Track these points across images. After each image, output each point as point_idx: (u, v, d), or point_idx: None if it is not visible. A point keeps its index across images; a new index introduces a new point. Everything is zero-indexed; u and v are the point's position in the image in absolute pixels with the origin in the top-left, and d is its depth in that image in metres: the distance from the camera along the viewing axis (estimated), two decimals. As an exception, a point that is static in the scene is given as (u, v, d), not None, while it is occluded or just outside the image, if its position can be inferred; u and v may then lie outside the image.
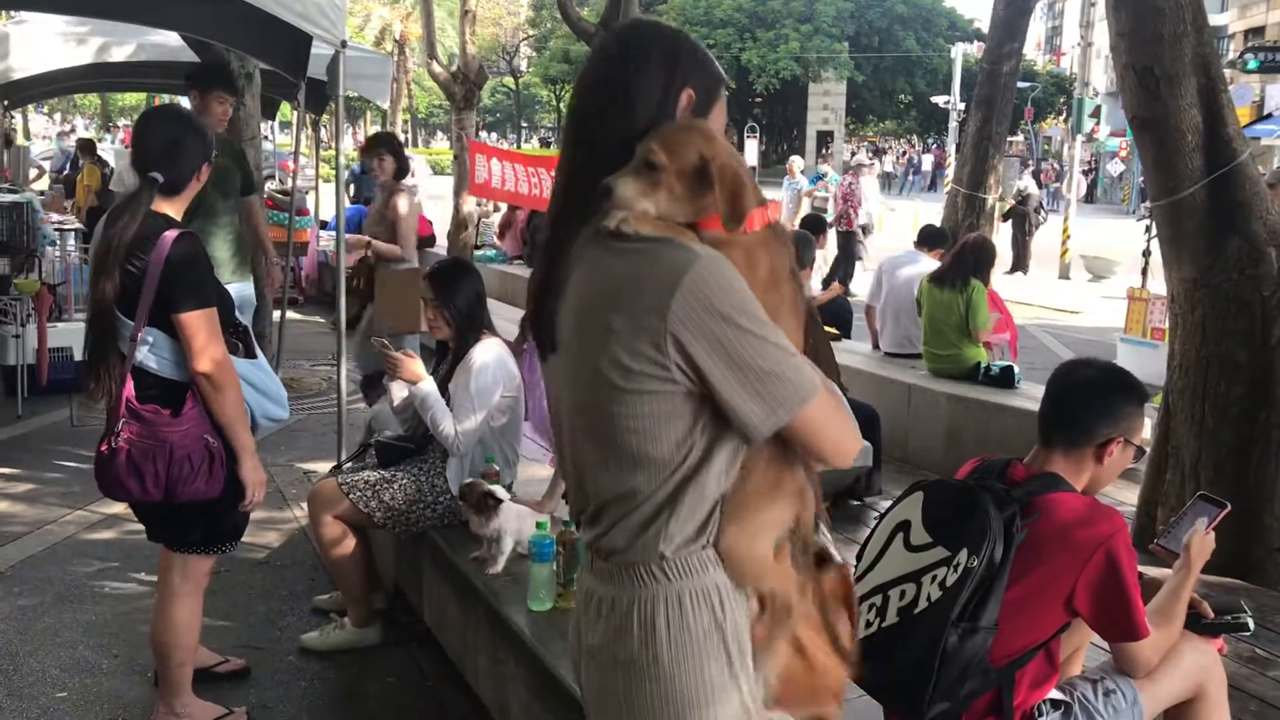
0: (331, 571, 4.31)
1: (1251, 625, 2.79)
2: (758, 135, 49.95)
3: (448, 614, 3.99)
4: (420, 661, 4.16)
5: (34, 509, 5.55)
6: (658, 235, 1.55)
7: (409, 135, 57.65)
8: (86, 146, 14.11)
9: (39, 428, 7.05)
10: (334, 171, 6.46)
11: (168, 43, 9.27)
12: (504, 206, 12.90)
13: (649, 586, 1.60)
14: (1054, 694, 2.51)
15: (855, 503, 6.06)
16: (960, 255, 6.98)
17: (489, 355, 4.10)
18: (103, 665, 4.01)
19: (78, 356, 7.73)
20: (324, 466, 6.32)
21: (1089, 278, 17.61)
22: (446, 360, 4.30)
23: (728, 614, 1.61)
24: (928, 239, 8.00)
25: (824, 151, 26.93)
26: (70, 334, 7.74)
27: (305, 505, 5.49)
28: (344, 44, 4.94)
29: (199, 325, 3.16)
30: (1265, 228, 4.65)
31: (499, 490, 3.72)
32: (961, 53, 34.15)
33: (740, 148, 46.37)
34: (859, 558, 2.56)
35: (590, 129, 1.67)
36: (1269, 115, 24.07)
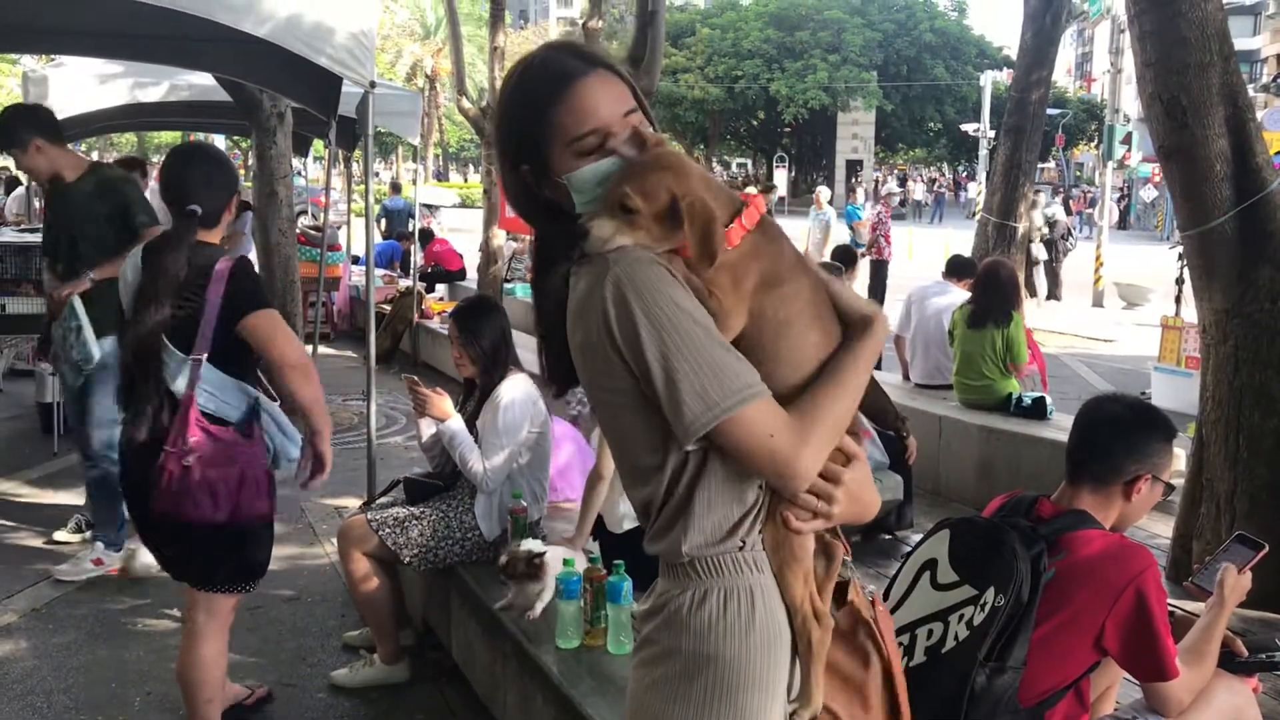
0: (361, 608, 4.32)
1: None
2: (787, 165, 50.05)
3: (475, 651, 3.99)
4: (448, 698, 4.16)
5: (68, 545, 5.60)
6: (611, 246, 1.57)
7: (441, 169, 58.18)
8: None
9: (74, 464, 7.10)
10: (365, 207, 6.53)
11: (200, 82, 9.44)
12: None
13: (679, 581, 1.61)
14: (1085, 734, 2.48)
15: (886, 537, 6.02)
16: (997, 289, 6.88)
17: (517, 391, 4.12)
18: (135, 703, 4.03)
19: (113, 393, 7.84)
20: (355, 502, 6.36)
21: (1123, 305, 17.48)
22: (473, 397, 4.32)
23: (757, 617, 1.59)
24: (956, 269, 7.95)
25: (853, 181, 26.86)
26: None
27: (334, 542, 5.54)
28: (373, 84, 5.00)
29: (274, 322, 3.31)
30: (1297, 257, 4.59)
31: (535, 546, 3.68)
32: (991, 80, 34.05)
33: (769, 177, 46.48)
34: (886, 595, 2.54)
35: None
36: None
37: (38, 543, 5.65)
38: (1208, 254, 4.69)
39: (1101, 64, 56.06)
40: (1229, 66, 4.53)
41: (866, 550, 5.87)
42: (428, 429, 4.29)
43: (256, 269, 6.86)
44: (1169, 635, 2.31)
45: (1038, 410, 6.77)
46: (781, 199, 38.75)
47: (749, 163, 58.34)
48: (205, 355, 3.23)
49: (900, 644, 2.39)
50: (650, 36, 9.61)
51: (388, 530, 4.10)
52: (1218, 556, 2.78)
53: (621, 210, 1.54)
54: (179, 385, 3.24)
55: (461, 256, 14.72)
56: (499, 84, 13.07)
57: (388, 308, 11.70)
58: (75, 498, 6.35)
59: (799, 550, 1.59)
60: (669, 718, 1.60)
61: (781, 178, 44.71)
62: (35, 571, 5.24)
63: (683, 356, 1.49)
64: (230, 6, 4.56)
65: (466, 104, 12.20)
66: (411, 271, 12.13)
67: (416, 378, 4.26)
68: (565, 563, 3.49)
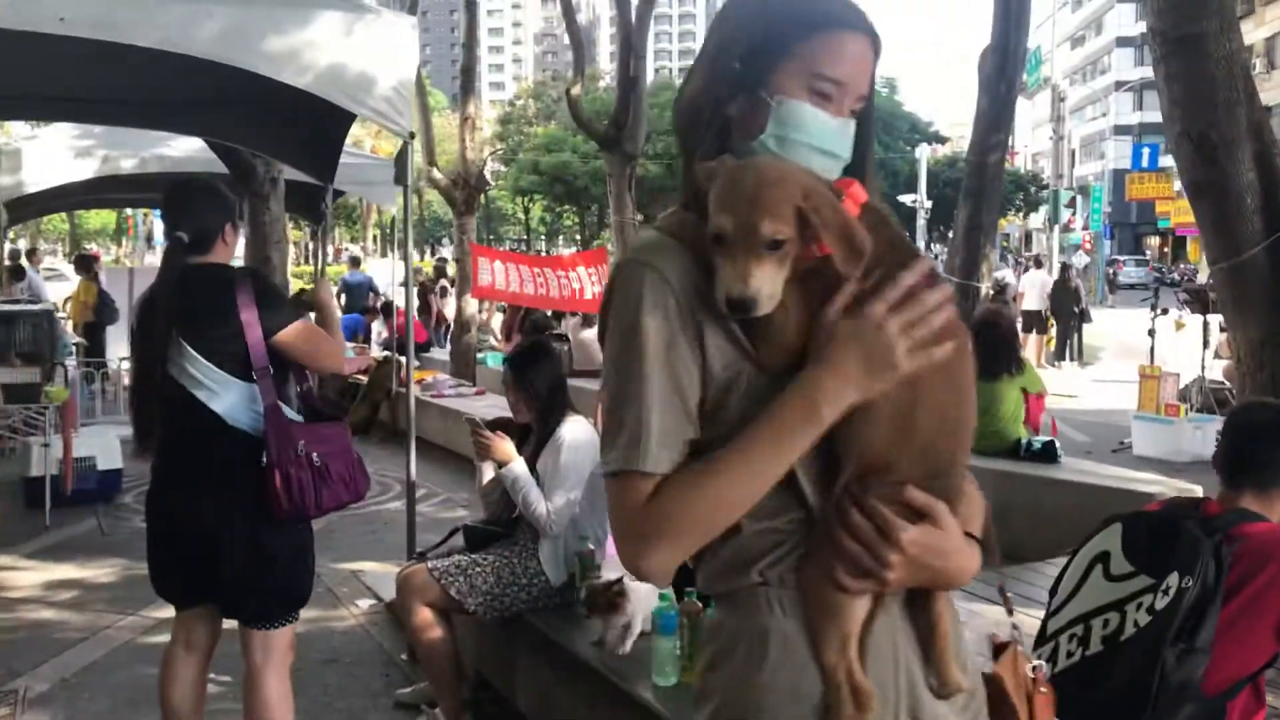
0: (422, 660, 4.19)
1: None
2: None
3: (552, 699, 3.88)
4: (517, 750, 4.04)
5: (84, 615, 5.39)
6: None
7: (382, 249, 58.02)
8: (83, 263, 14.04)
9: (70, 537, 6.86)
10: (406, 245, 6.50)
11: (173, 154, 9.33)
12: (506, 308, 12.90)
13: (716, 613, 1.51)
14: (1259, 731, 2.49)
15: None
16: (1002, 339, 6.96)
17: (579, 433, 4.08)
18: (192, 767, 3.85)
19: (100, 465, 7.62)
20: (370, 565, 6.22)
21: (1079, 364, 17.83)
22: (529, 442, 4.26)
23: (767, 665, 1.41)
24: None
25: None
26: (91, 443, 7.65)
27: (358, 604, 5.42)
28: (412, 135, 4.95)
29: (310, 332, 3.43)
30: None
31: (614, 574, 3.62)
32: (925, 154, 34.97)
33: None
34: (1052, 592, 2.56)
35: None
36: None
37: (48, 614, 5.43)
38: (1240, 285, 4.82)
39: (1023, 139, 57.71)
40: (1254, 104, 4.72)
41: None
42: (488, 472, 4.22)
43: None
44: None
45: (1048, 454, 6.83)
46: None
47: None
48: (270, 370, 3.26)
49: (1074, 635, 2.41)
50: (633, 101, 9.77)
51: (451, 578, 4.00)
52: None
53: (770, 248, 1.31)
54: (221, 406, 3.23)
55: (426, 328, 14.67)
56: (469, 153, 13.17)
57: (363, 378, 11.56)
58: (78, 569, 6.15)
59: (836, 607, 1.36)
60: None
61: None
62: (55, 642, 5.02)
63: (611, 398, 1.40)
64: (270, 57, 4.50)
65: (437, 174, 12.23)
66: (391, 340, 12.05)
67: (479, 420, 4.20)
68: (661, 597, 3.42)
